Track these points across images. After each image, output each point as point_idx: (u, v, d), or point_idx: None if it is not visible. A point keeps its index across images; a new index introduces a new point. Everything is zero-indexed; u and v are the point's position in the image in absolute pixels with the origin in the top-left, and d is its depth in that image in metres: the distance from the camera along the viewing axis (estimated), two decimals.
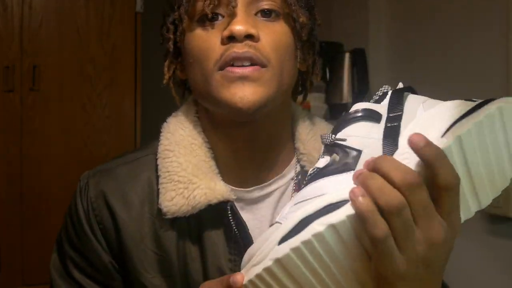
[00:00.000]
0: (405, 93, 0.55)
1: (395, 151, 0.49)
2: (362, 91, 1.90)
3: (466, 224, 0.48)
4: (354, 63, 1.93)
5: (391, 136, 0.50)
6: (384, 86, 0.57)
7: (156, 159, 0.66)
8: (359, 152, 0.49)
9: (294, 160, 0.69)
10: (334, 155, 0.51)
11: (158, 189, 0.64)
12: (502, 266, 1.33)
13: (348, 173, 0.48)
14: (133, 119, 2.16)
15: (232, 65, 0.59)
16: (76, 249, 0.67)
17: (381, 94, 0.56)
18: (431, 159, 0.42)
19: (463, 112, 0.48)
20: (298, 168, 0.68)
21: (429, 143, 0.43)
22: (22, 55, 2.00)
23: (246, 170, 0.66)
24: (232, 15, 0.59)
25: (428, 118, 0.50)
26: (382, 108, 0.53)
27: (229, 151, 0.66)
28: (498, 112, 0.46)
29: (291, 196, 0.67)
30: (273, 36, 0.61)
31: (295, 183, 0.68)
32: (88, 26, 2.09)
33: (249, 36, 0.58)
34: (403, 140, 0.49)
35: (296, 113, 0.71)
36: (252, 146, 0.66)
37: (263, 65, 0.59)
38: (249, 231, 0.63)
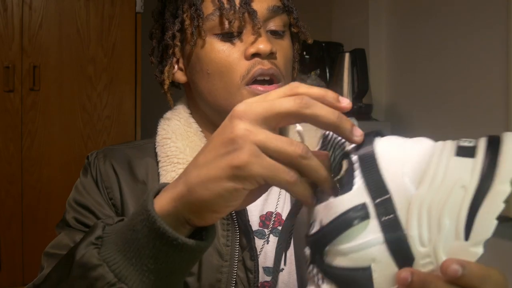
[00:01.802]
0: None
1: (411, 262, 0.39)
2: (362, 91, 1.90)
3: None
4: (354, 63, 1.93)
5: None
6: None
7: (155, 148, 0.71)
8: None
9: None
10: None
11: (158, 173, 0.68)
12: (502, 266, 1.32)
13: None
14: (133, 119, 2.16)
15: (256, 80, 0.65)
16: (81, 205, 0.70)
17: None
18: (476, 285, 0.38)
19: (471, 194, 0.39)
20: None
21: (471, 269, 0.38)
22: (22, 55, 2.00)
23: None
24: (256, 34, 0.65)
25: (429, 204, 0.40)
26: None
27: None
28: None
29: None
30: (283, 52, 0.67)
31: None
32: (88, 26, 2.09)
33: (271, 54, 0.65)
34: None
35: None
36: None
37: (279, 80, 0.65)
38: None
